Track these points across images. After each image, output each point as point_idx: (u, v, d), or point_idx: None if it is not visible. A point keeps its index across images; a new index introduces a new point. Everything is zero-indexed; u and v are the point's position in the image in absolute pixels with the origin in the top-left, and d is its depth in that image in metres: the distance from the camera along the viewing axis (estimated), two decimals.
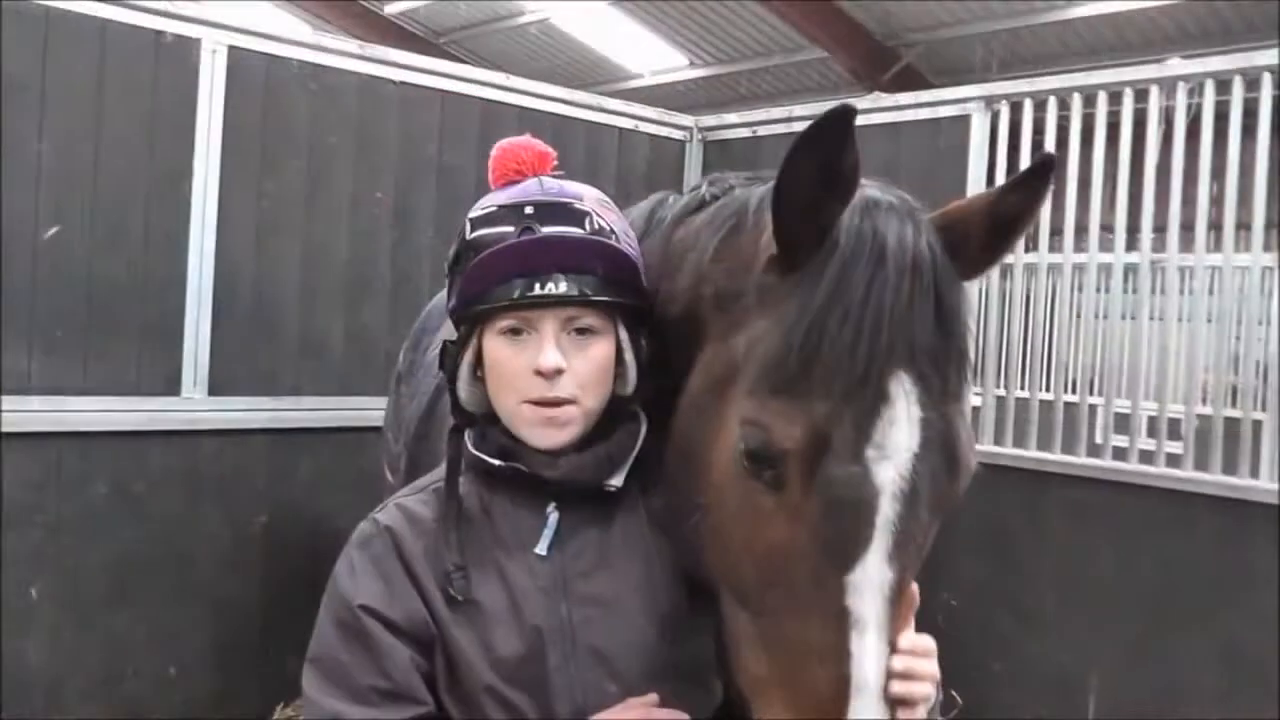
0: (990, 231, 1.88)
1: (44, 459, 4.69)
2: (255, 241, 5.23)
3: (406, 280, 5.68)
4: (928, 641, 1.84)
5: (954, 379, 1.82)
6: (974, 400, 5.75)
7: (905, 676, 1.74)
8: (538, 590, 2.02)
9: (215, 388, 5.12)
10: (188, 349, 5.03)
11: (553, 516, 2.07)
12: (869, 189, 1.89)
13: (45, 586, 4.71)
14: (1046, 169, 1.85)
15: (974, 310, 5.55)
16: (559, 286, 2.00)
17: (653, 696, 1.94)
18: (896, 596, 1.75)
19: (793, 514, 1.76)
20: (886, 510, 1.73)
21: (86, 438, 4.78)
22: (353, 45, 5.65)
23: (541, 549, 2.05)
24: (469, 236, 2.10)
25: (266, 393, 5.29)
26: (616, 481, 2.09)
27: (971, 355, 1.87)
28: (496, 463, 2.08)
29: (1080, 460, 5.34)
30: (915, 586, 1.86)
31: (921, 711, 1.77)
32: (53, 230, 4.66)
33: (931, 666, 1.80)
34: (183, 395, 5.04)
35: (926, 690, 1.77)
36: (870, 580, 1.72)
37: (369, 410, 5.30)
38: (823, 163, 1.74)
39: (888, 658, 1.73)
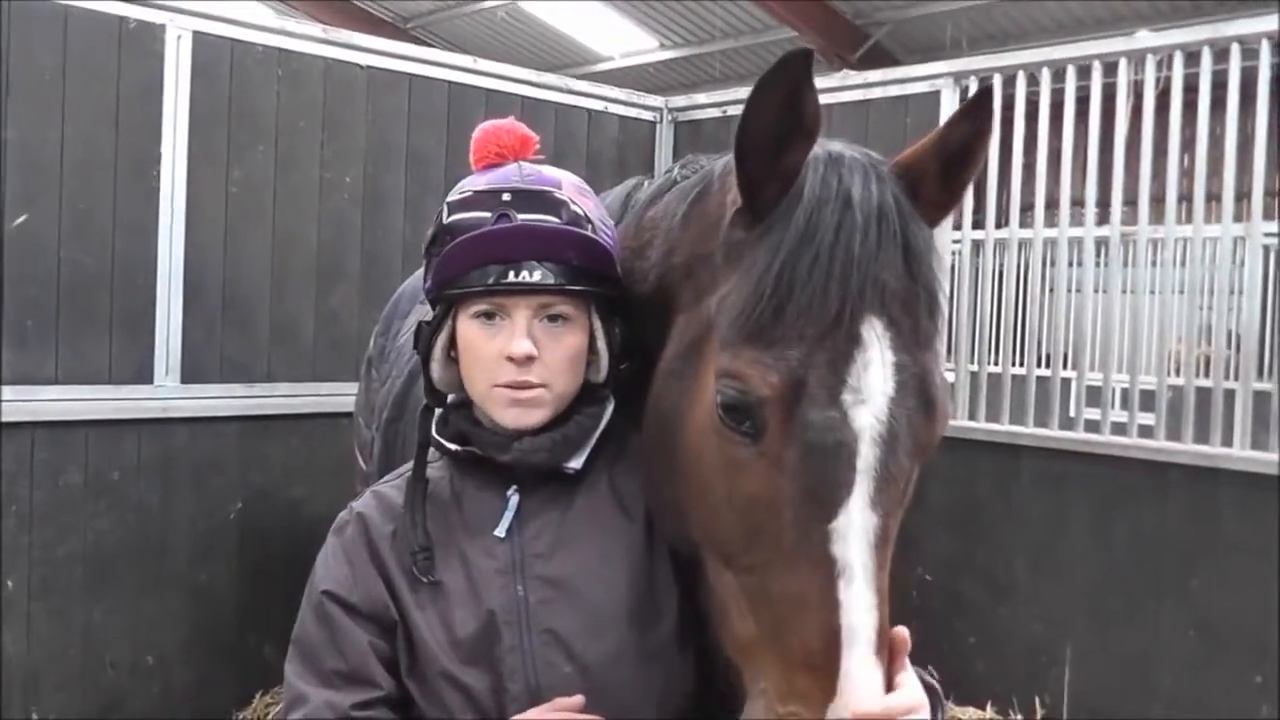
0: (944, 169, 1.89)
1: (16, 449, 4.66)
2: (224, 228, 5.20)
3: (377, 264, 5.66)
4: (905, 699, 1.73)
5: (925, 323, 1.82)
6: (947, 375, 5.78)
7: None
8: (495, 572, 2.03)
9: (187, 375, 5.10)
10: (159, 337, 5.01)
11: (513, 499, 2.08)
12: (831, 145, 1.90)
13: (20, 578, 4.69)
14: (987, 98, 1.88)
15: (945, 278, 5.60)
16: (533, 274, 2.00)
17: (578, 699, 1.92)
18: (882, 543, 1.74)
19: (773, 464, 1.75)
20: (866, 454, 1.72)
21: (59, 427, 4.76)
22: (317, 30, 5.62)
23: (500, 531, 2.06)
24: (446, 220, 2.10)
25: (239, 380, 5.27)
26: (576, 464, 2.09)
27: (942, 300, 1.87)
28: (453, 447, 2.11)
29: (1053, 433, 5.38)
30: (905, 633, 1.80)
31: None
32: (20, 219, 4.63)
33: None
34: (155, 383, 5.01)
35: None
36: (855, 526, 1.70)
37: (341, 396, 5.28)
38: (784, 103, 1.74)
39: (878, 606, 1.71)
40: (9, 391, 4.61)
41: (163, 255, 5.01)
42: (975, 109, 1.87)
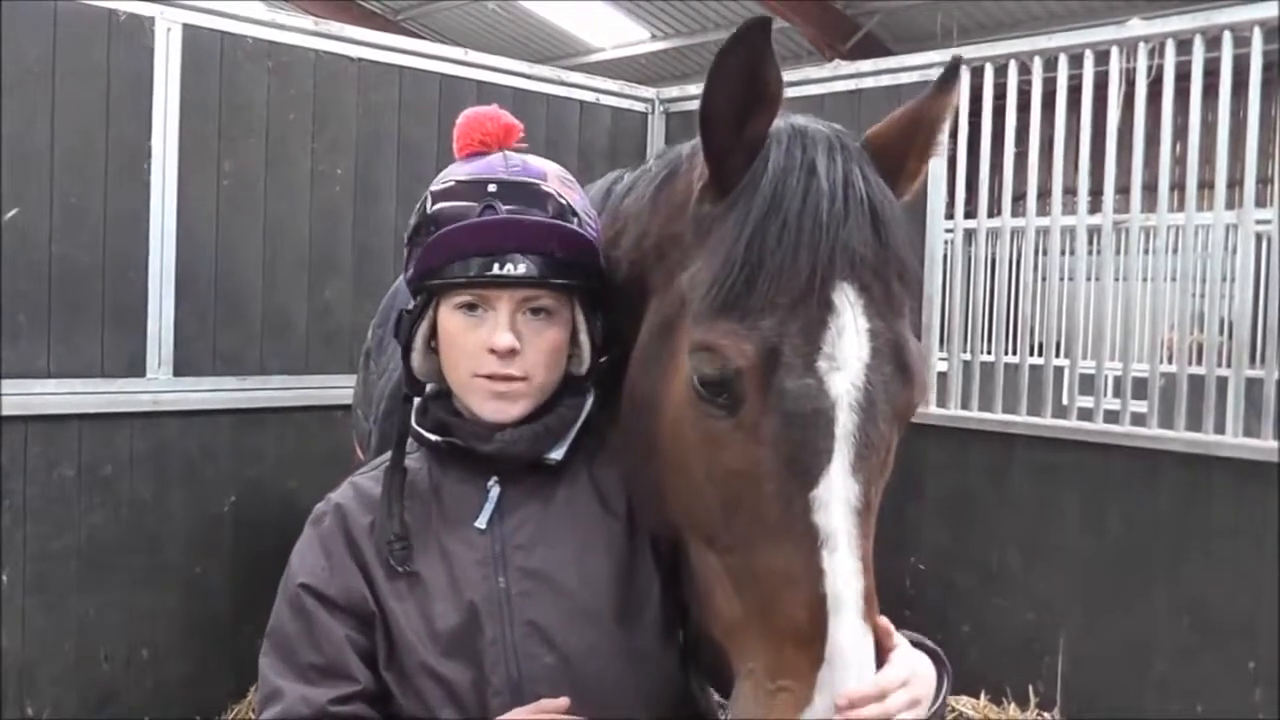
0: (912, 142, 1.93)
1: (10, 443, 4.66)
2: (216, 221, 5.19)
3: (369, 257, 5.65)
4: (902, 673, 1.74)
5: (897, 290, 1.82)
6: (940, 365, 5.78)
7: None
8: (475, 564, 2.02)
9: (180, 368, 5.09)
10: (151, 330, 5.00)
11: (494, 491, 2.07)
12: (796, 118, 1.91)
13: (15, 572, 4.69)
14: (955, 74, 1.91)
15: (935, 263, 5.60)
16: (517, 268, 1.99)
17: (563, 702, 1.91)
18: (864, 510, 1.73)
19: (751, 435, 1.75)
20: (845, 421, 1.71)
21: (52, 421, 4.76)
22: (308, 22, 5.61)
23: (481, 523, 2.05)
24: (429, 210, 2.09)
25: (231, 372, 5.27)
26: (557, 455, 2.08)
27: (913, 267, 1.87)
28: (433, 438, 2.10)
29: (1046, 422, 5.38)
30: (886, 622, 1.80)
31: None
32: (11, 213, 4.62)
33: (904, 696, 1.71)
34: (148, 376, 5.01)
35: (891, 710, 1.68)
36: (836, 493, 1.70)
37: (334, 388, 5.30)
38: (745, 72, 1.75)
39: (863, 573, 1.70)
40: (2, 385, 4.60)
41: (154, 248, 5.00)
42: (946, 84, 1.91)
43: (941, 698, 1.85)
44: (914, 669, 1.78)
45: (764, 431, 1.73)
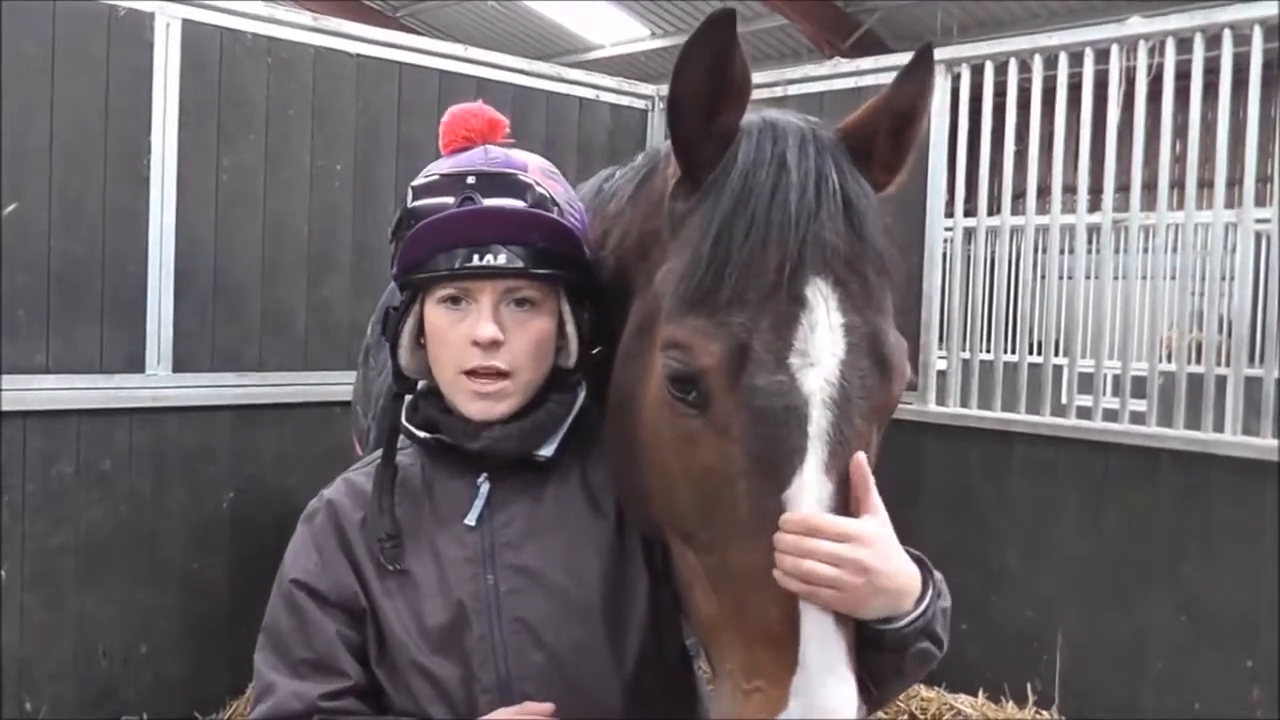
0: (890, 131, 1.90)
1: (8, 438, 4.65)
2: (215, 216, 5.19)
3: (368, 253, 5.64)
4: (845, 524, 1.67)
5: (875, 283, 1.79)
6: (939, 363, 5.78)
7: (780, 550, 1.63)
8: (465, 561, 2.02)
9: (179, 364, 5.09)
10: (150, 326, 5.00)
11: (483, 487, 2.07)
12: (769, 112, 1.90)
13: (13, 567, 4.69)
14: (927, 56, 1.89)
15: (931, 264, 5.60)
16: (497, 258, 1.98)
17: (548, 706, 1.90)
18: (839, 509, 1.69)
19: (723, 433, 1.72)
20: (818, 418, 1.68)
21: (51, 416, 4.75)
22: (307, 18, 5.61)
23: (470, 520, 2.05)
24: (410, 204, 2.09)
25: (230, 369, 5.26)
26: (547, 451, 2.07)
27: (892, 259, 1.84)
28: (422, 435, 2.10)
29: (1045, 420, 5.38)
30: (862, 457, 1.73)
31: (828, 595, 1.63)
32: (10, 208, 4.61)
33: (840, 549, 1.63)
34: (147, 372, 5.00)
35: (827, 573, 1.62)
36: (809, 493, 1.67)
37: (333, 385, 5.30)
38: (712, 64, 1.75)
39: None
40: (1, 381, 4.60)
41: (153, 244, 5.00)
42: (917, 68, 1.88)
43: (926, 603, 1.78)
44: (885, 538, 1.71)
45: (735, 430, 1.71)
